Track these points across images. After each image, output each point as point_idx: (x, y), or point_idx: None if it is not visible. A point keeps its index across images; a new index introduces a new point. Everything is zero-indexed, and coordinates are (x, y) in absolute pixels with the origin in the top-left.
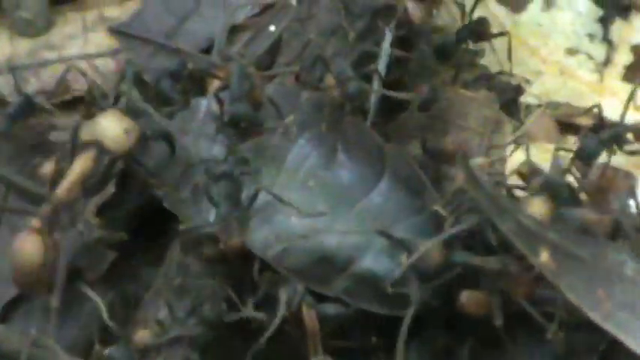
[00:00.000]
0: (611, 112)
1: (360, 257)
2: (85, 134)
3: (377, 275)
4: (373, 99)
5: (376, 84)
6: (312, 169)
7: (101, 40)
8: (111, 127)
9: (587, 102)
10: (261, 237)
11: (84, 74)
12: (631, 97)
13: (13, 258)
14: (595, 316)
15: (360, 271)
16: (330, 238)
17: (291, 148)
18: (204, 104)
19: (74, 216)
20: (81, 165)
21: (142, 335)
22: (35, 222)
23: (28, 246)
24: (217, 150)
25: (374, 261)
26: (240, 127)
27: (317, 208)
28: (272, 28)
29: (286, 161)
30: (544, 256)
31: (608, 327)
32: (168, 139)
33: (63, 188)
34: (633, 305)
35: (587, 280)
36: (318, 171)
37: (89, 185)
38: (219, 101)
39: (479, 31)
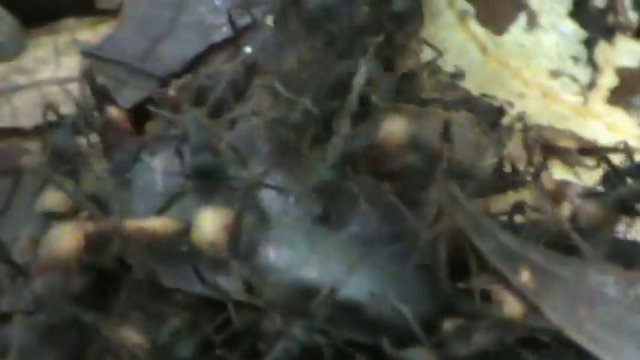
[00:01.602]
0: (595, 135)
1: (341, 286)
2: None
3: (359, 303)
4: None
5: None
6: (284, 207)
7: (74, 64)
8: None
9: (570, 125)
10: (240, 274)
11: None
12: None
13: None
14: (578, 337)
15: (342, 300)
16: (310, 270)
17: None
18: (156, 161)
19: None
20: None
21: None
22: None
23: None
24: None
25: (355, 289)
26: (206, 178)
27: (294, 242)
28: (248, 49)
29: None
30: (525, 276)
31: (591, 347)
32: None
33: None
34: (616, 325)
35: (569, 300)
36: (291, 208)
37: None
38: (180, 155)
39: None
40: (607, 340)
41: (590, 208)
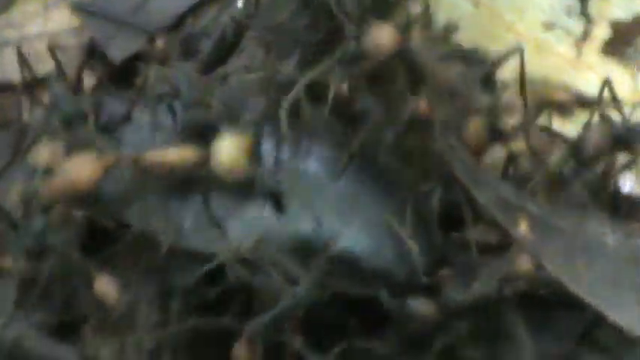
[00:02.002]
0: (589, 87)
1: (338, 239)
2: None
3: (356, 256)
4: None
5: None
6: (278, 162)
7: (63, 18)
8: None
9: (564, 77)
10: (233, 232)
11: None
12: None
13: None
14: (576, 288)
15: (338, 252)
16: (305, 225)
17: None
18: (146, 119)
19: None
20: None
21: None
22: None
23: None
24: None
25: (352, 241)
26: (197, 134)
27: (288, 197)
28: (239, 2)
29: None
30: (523, 227)
31: (590, 299)
32: None
33: None
34: (614, 277)
35: (567, 251)
36: (284, 164)
37: None
38: (172, 110)
39: None
40: (605, 292)
41: (595, 136)
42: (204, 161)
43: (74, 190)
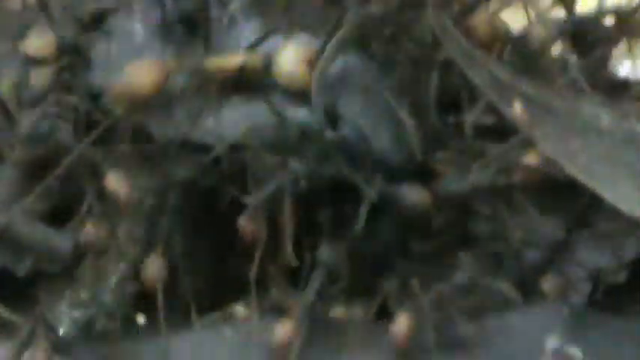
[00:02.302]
0: None
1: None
2: None
3: (348, 140)
4: None
5: None
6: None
7: None
8: None
9: None
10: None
11: None
12: None
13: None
14: (571, 168)
15: (333, 137)
16: (300, 112)
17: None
18: (136, 10)
19: None
20: None
21: None
22: None
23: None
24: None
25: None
26: (190, 23)
27: None
28: None
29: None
30: (517, 107)
31: (585, 179)
32: None
33: None
34: (609, 157)
35: (562, 131)
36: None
37: None
38: (162, 2)
39: None
40: (601, 171)
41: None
42: (267, 67)
43: (134, 95)
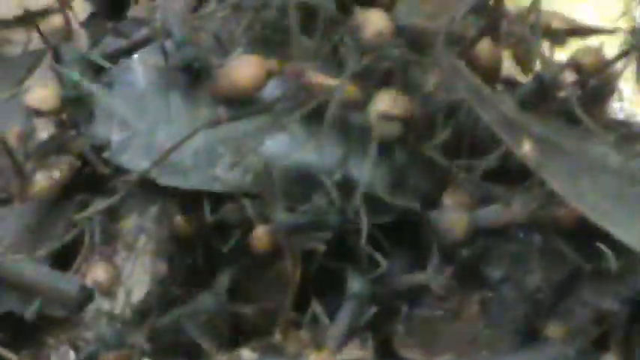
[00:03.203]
0: (584, 16)
1: (341, 168)
2: None
3: (359, 183)
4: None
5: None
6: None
7: None
8: None
9: (558, 7)
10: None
11: None
12: None
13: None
14: (580, 206)
15: (341, 181)
16: (308, 155)
17: None
18: (136, 59)
19: None
20: None
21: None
22: None
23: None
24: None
25: (355, 169)
26: (192, 71)
27: (291, 128)
28: None
29: None
30: (527, 147)
31: (594, 217)
32: None
33: None
34: (618, 195)
35: (571, 170)
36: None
37: None
38: (164, 51)
39: None
40: (609, 209)
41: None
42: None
43: (235, 90)
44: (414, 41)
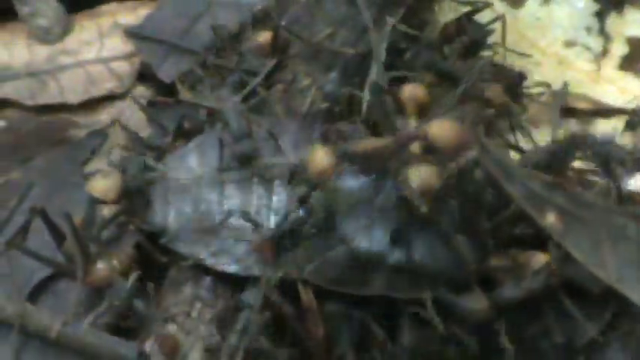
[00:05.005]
0: (608, 98)
1: (391, 250)
2: None
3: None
4: (364, 107)
5: (367, 92)
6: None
7: (116, 45)
8: None
9: (585, 90)
10: (294, 260)
11: None
12: None
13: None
14: (603, 274)
15: (395, 262)
16: (360, 241)
17: None
18: (192, 147)
19: None
20: None
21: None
22: None
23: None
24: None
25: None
26: (248, 161)
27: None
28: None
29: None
30: (551, 218)
31: (615, 284)
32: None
33: None
34: (637, 263)
35: (593, 240)
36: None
37: None
38: (221, 143)
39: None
40: (630, 276)
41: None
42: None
43: (320, 175)
44: None
